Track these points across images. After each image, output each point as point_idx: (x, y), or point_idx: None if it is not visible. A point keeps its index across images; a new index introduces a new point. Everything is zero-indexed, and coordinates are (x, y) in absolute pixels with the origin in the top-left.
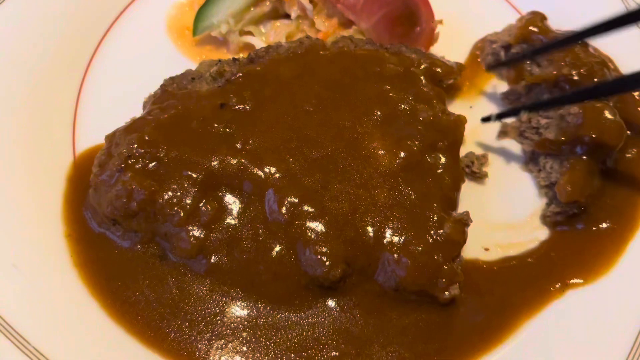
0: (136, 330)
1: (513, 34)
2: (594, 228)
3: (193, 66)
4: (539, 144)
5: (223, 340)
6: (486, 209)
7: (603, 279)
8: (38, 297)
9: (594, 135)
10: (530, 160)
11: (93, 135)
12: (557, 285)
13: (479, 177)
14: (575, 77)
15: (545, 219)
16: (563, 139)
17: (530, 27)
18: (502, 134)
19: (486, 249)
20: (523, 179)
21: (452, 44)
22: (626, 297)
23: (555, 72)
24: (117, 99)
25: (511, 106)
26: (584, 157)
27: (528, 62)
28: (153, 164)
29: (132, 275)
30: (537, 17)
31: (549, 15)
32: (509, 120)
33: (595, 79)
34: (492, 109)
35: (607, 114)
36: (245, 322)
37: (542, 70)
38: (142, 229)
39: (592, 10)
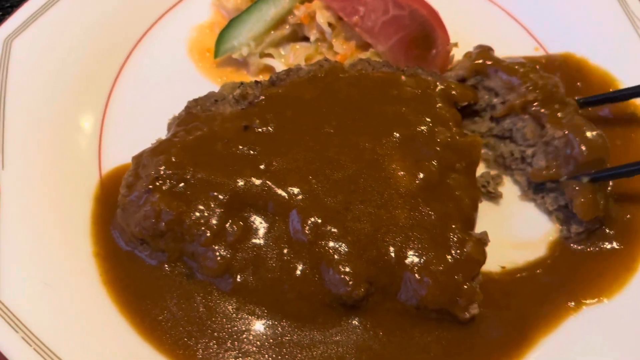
0: (165, 348)
1: (466, 68)
2: (606, 246)
3: (214, 87)
4: (534, 175)
5: (250, 358)
6: (501, 227)
7: (618, 295)
8: (69, 314)
9: (585, 153)
10: (529, 189)
11: (118, 155)
12: (572, 304)
13: (494, 197)
14: (540, 99)
15: (568, 240)
16: (562, 170)
17: (482, 60)
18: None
19: (502, 267)
20: (536, 199)
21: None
22: None
23: (520, 100)
24: (141, 120)
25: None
26: (584, 179)
27: (485, 92)
28: (180, 185)
29: (160, 293)
30: (485, 50)
31: (562, 36)
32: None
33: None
34: None
35: (590, 131)
36: (271, 340)
37: (505, 100)
38: (169, 249)
39: (604, 33)
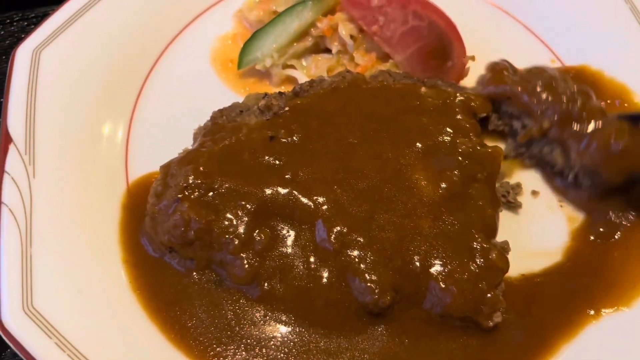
0: (194, 354)
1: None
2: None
3: (237, 98)
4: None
5: None
6: (521, 236)
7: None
8: (101, 320)
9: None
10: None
11: (144, 164)
12: (592, 312)
13: (513, 206)
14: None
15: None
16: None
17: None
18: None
19: (522, 275)
20: (554, 207)
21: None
22: None
23: (537, 128)
24: (165, 128)
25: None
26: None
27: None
28: (209, 194)
29: (189, 300)
30: (498, 70)
31: (579, 49)
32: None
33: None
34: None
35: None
36: (299, 347)
37: (524, 123)
38: (197, 257)
39: (620, 46)
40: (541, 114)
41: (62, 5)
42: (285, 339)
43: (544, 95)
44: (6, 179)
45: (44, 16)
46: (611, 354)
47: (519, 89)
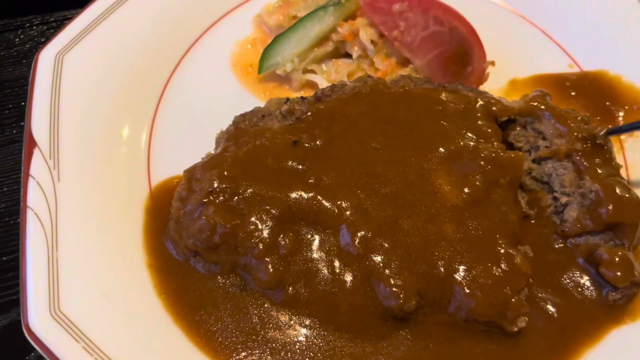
0: (220, 358)
1: (521, 107)
2: None
3: (257, 102)
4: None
5: None
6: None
7: None
8: (127, 324)
9: (612, 214)
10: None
11: (166, 168)
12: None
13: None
14: (586, 151)
15: (610, 305)
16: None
17: (537, 103)
18: None
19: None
20: None
21: (500, 84)
22: None
23: (567, 146)
24: (186, 132)
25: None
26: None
27: (533, 133)
28: (234, 198)
29: (214, 304)
30: (542, 95)
31: (597, 54)
32: None
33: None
34: None
35: (626, 193)
36: (324, 351)
37: (551, 144)
38: (222, 261)
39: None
40: (574, 137)
41: (84, 10)
42: (310, 343)
43: (580, 125)
44: (31, 183)
45: (64, 20)
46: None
47: (559, 110)
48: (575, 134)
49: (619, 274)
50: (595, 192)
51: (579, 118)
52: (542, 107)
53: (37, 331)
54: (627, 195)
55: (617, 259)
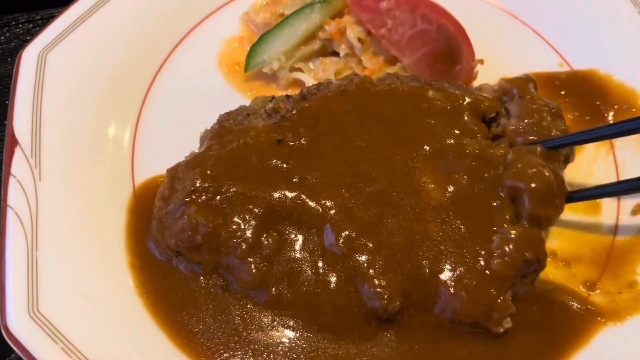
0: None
1: (501, 85)
2: None
3: (244, 101)
4: None
5: None
6: None
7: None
8: (107, 325)
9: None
10: None
11: (150, 167)
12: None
13: None
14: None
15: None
16: None
17: (516, 84)
18: None
19: None
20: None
21: (489, 83)
22: None
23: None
24: (172, 131)
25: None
26: None
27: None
28: (216, 198)
29: (196, 305)
30: (526, 79)
31: (588, 53)
32: None
33: None
34: None
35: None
36: (307, 353)
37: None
38: (204, 261)
39: (629, 49)
40: (524, 126)
41: (68, 8)
42: (293, 344)
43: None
44: (12, 181)
45: (50, 18)
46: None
47: (532, 97)
48: (534, 120)
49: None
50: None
51: (545, 108)
52: (517, 86)
53: (16, 332)
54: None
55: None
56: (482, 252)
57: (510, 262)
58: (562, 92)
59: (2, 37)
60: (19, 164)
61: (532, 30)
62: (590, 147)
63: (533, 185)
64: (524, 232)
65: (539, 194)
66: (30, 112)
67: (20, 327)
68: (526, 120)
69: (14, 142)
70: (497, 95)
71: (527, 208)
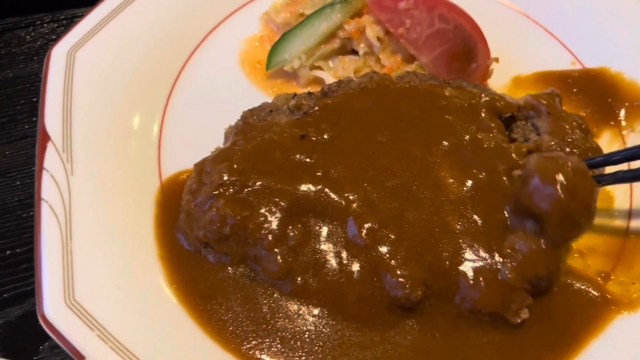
0: (232, 347)
1: (526, 100)
2: None
3: (265, 98)
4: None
5: (312, 357)
6: None
7: None
8: (140, 314)
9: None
10: None
11: (175, 161)
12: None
13: None
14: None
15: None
16: None
17: (539, 100)
18: None
19: None
20: None
21: (504, 81)
22: None
23: (545, 144)
24: (196, 127)
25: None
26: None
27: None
28: (243, 191)
29: (225, 295)
30: (552, 95)
31: (600, 51)
32: None
33: None
34: None
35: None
36: (333, 340)
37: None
38: (232, 252)
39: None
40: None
41: (94, 7)
42: (319, 332)
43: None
44: (45, 176)
45: (74, 18)
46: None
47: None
48: (566, 137)
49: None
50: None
51: (574, 123)
52: (544, 102)
53: (53, 319)
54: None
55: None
56: (499, 247)
57: (521, 275)
58: (574, 90)
59: (28, 37)
60: (51, 159)
61: (544, 29)
62: (602, 143)
63: (556, 210)
64: (541, 251)
65: (563, 219)
66: (61, 108)
67: (58, 315)
68: (560, 138)
69: (46, 137)
70: (524, 113)
71: (548, 230)
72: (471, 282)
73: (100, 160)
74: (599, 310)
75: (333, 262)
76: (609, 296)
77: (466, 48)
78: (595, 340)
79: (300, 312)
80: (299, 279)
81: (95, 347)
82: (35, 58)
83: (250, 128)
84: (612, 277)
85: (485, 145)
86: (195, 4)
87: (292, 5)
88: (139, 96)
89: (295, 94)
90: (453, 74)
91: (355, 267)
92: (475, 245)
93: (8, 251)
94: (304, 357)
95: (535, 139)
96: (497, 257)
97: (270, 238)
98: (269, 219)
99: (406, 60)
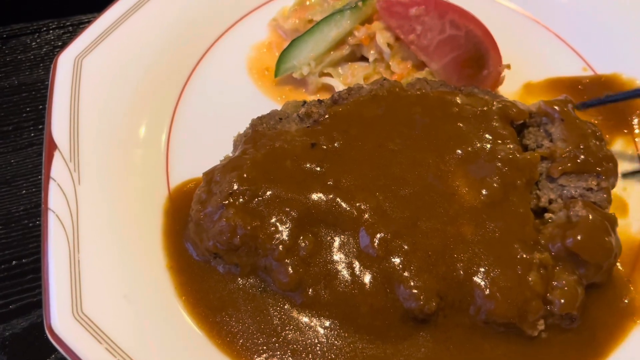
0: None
1: (539, 107)
2: None
3: (274, 105)
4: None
5: None
6: None
7: None
8: (149, 326)
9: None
10: None
11: (183, 170)
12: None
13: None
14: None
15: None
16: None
17: (553, 106)
18: None
19: None
20: None
21: (515, 87)
22: None
23: (559, 150)
24: (204, 135)
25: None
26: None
27: (543, 134)
28: (253, 200)
29: (235, 306)
30: (566, 101)
31: (611, 57)
32: None
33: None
34: None
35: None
36: (345, 353)
37: (554, 146)
38: (242, 262)
39: None
40: (569, 152)
41: (102, 14)
42: (331, 344)
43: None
44: (52, 185)
45: (80, 24)
46: None
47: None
48: (580, 144)
49: (562, 301)
50: (577, 217)
51: (589, 131)
52: (557, 109)
53: (60, 332)
54: (600, 235)
55: (565, 287)
56: (516, 254)
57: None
58: (585, 97)
59: (34, 43)
60: (58, 168)
61: (555, 35)
62: (615, 151)
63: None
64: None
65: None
66: (68, 116)
67: (65, 327)
68: (574, 145)
69: (53, 146)
70: (536, 119)
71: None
72: (487, 292)
73: (107, 169)
74: (621, 319)
75: (345, 273)
76: (630, 305)
77: (477, 55)
78: (615, 352)
79: (312, 324)
80: (310, 290)
81: None
82: (41, 65)
83: (259, 136)
84: (631, 287)
85: (499, 154)
86: (203, 10)
87: (300, 11)
88: (147, 103)
89: (305, 102)
90: (464, 80)
91: (368, 278)
92: (490, 255)
93: (14, 261)
94: None
95: (549, 145)
96: (513, 268)
97: (281, 248)
98: (280, 229)
99: (416, 67)
